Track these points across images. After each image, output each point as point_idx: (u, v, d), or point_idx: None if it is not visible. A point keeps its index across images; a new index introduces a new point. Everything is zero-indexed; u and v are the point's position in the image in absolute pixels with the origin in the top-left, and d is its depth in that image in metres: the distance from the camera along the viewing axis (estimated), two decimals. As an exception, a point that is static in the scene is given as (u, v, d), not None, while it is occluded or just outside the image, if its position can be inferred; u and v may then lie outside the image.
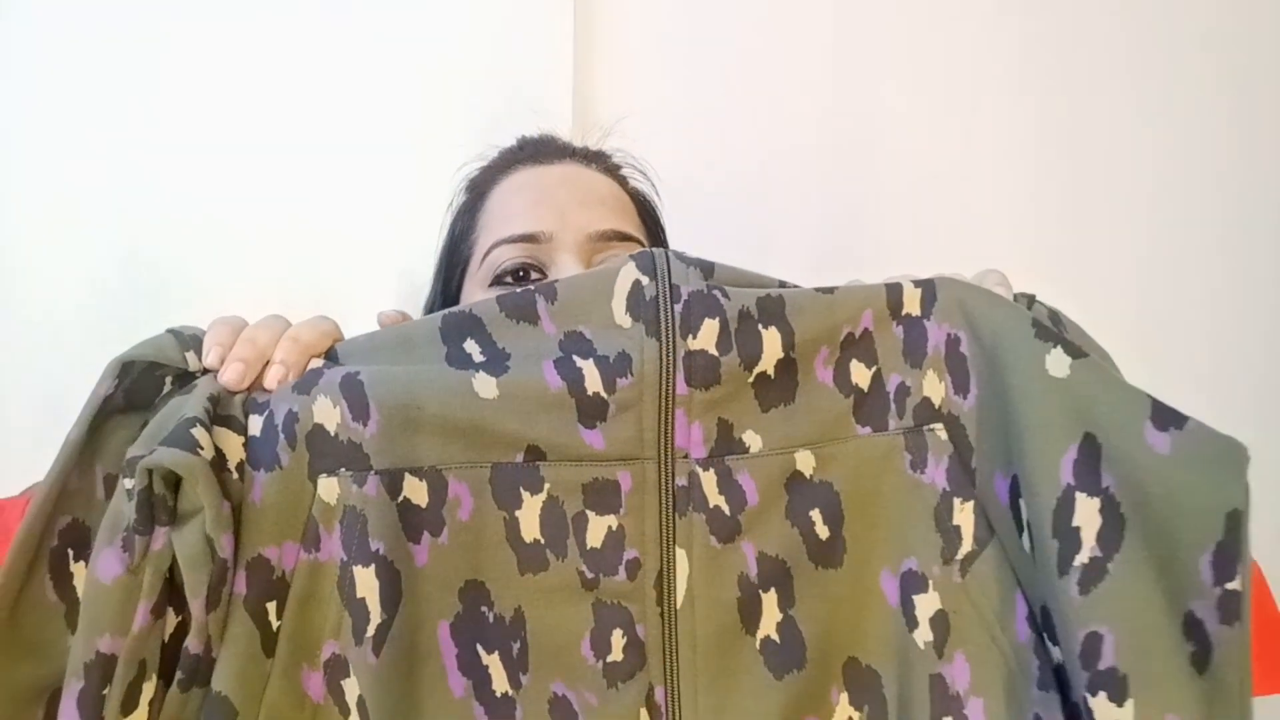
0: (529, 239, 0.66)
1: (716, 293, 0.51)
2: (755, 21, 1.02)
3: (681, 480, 0.51)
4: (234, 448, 0.48)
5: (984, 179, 1.04)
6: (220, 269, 0.90)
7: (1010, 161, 1.04)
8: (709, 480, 0.51)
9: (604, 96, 0.99)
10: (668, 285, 0.51)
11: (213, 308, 0.88)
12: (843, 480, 0.53)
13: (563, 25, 0.98)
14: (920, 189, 1.03)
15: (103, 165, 0.90)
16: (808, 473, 0.53)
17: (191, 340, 0.50)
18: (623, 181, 0.77)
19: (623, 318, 0.51)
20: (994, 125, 1.04)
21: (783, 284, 0.54)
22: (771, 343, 0.51)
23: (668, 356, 0.50)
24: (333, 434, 0.48)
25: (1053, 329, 0.51)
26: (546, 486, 0.50)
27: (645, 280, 0.51)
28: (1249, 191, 1.08)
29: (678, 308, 0.50)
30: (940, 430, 0.53)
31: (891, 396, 0.54)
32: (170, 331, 0.51)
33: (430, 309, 0.76)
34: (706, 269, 0.52)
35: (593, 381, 0.50)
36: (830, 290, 0.54)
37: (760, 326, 0.51)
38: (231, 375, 0.49)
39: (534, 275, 0.66)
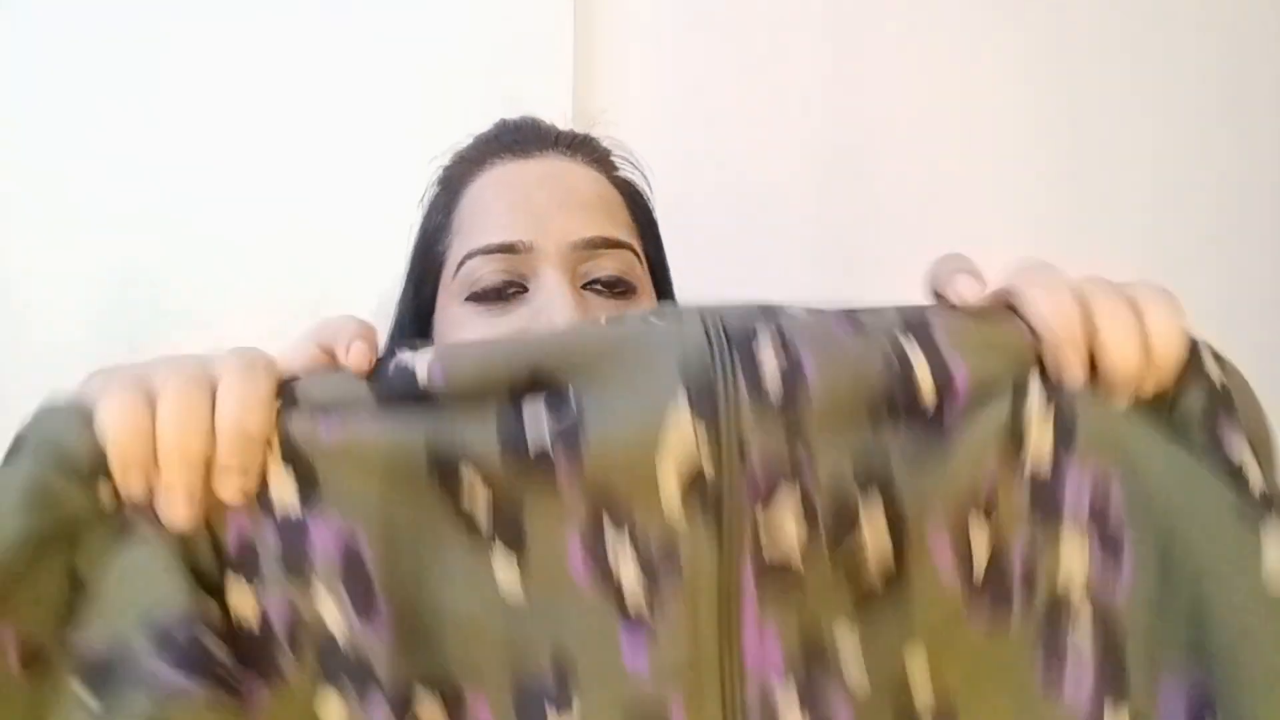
0: (506, 249, 0.61)
1: (801, 453, 0.39)
2: (755, 20, 1.02)
3: (754, 706, 0.39)
4: (247, 607, 0.38)
5: (986, 173, 1.03)
6: (219, 270, 0.90)
7: (1012, 157, 1.04)
8: (788, 702, 0.39)
9: (604, 97, 0.99)
10: (736, 441, 0.38)
11: (212, 309, 0.89)
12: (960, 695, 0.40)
13: (563, 25, 0.98)
14: (924, 186, 1.02)
15: (100, 165, 0.90)
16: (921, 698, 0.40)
17: (88, 454, 0.36)
18: (610, 171, 0.71)
19: (672, 504, 0.39)
20: (996, 121, 1.04)
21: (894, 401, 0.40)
22: (874, 525, 0.40)
23: (730, 550, 0.39)
24: (341, 646, 0.38)
25: (1261, 502, 0.38)
26: (577, 706, 0.39)
27: (704, 446, 0.38)
28: (1254, 191, 1.07)
29: (746, 483, 0.38)
30: (1084, 626, 0.40)
31: (1017, 577, 0.40)
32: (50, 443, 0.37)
33: (402, 315, 0.70)
34: (791, 390, 0.38)
35: (631, 581, 0.39)
36: (945, 437, 0.40)
37: (859, 499, 0.40)
38: (179, 515, 0.36)
39: (513, 290, 0.61)
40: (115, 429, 0.36)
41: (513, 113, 0.89)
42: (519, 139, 0.69)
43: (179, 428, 0.37)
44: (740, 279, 0.93)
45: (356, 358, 0.40)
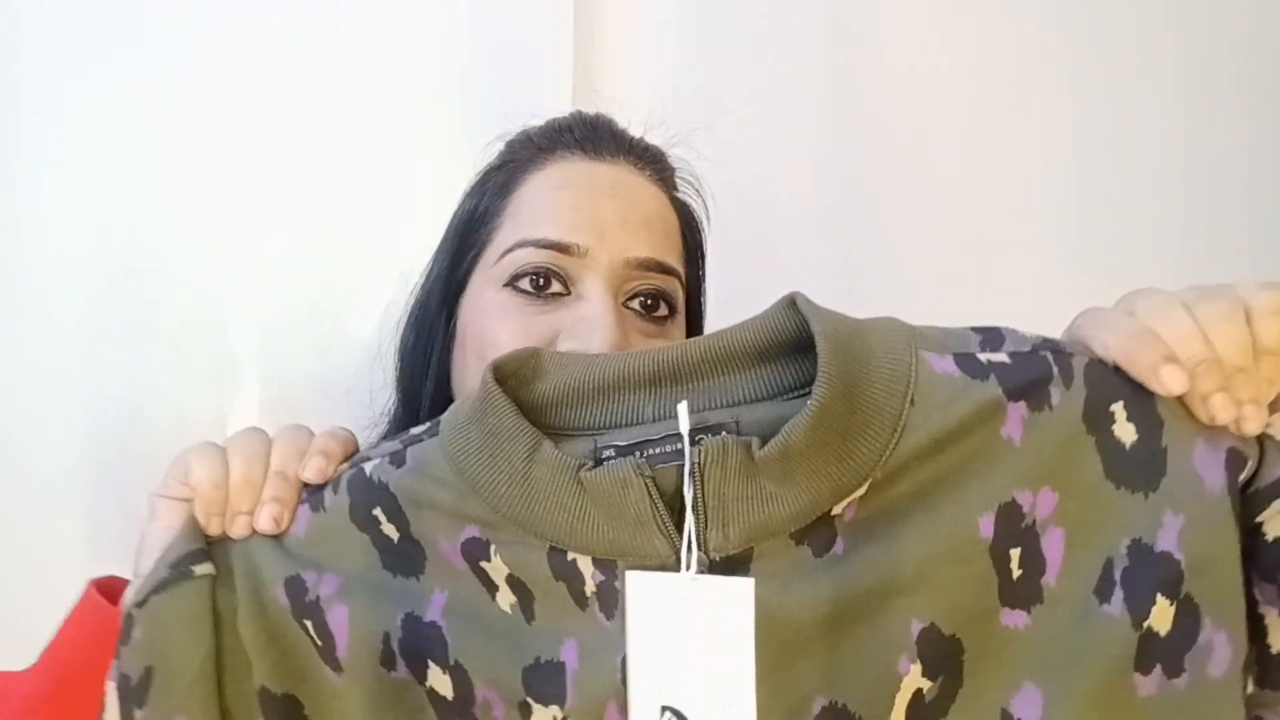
0: (562, 248, 0.60)
1: None
2: (755, 20, 1.01)
3: None
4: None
5: (994, 174, 1.02)
6: (218, 264, 0.88)
7: (1022, 161, 1.02)
8: None
9: (604, 95, 0.94)
10: None
11: (210, 302, 0.86)
12: None
13: (563, 25, 0.97)
14: (929, 183, 1.01)
15: (101, 157, 0.87)
16: None
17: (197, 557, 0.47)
18: (673, 190, 0.70)
19: None
20: (1002, 119, 1.03)
21: None
22: None
23: None
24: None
25: None
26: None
27: None
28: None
29: None
30: None
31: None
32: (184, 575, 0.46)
33: (429, 293, 0.69)
34: None
35: None
36: None
37: None
38: (263, 525, 0.48)
39: (555, 286, 0.60)
40: (201, 484, 0.49)
41: (512, 111, 0.87)
42: (593, 137, 0.67)
43: (245, 469, 0.49)
44: (741, 277, 0.92)
45: (313, 472, 0.49)
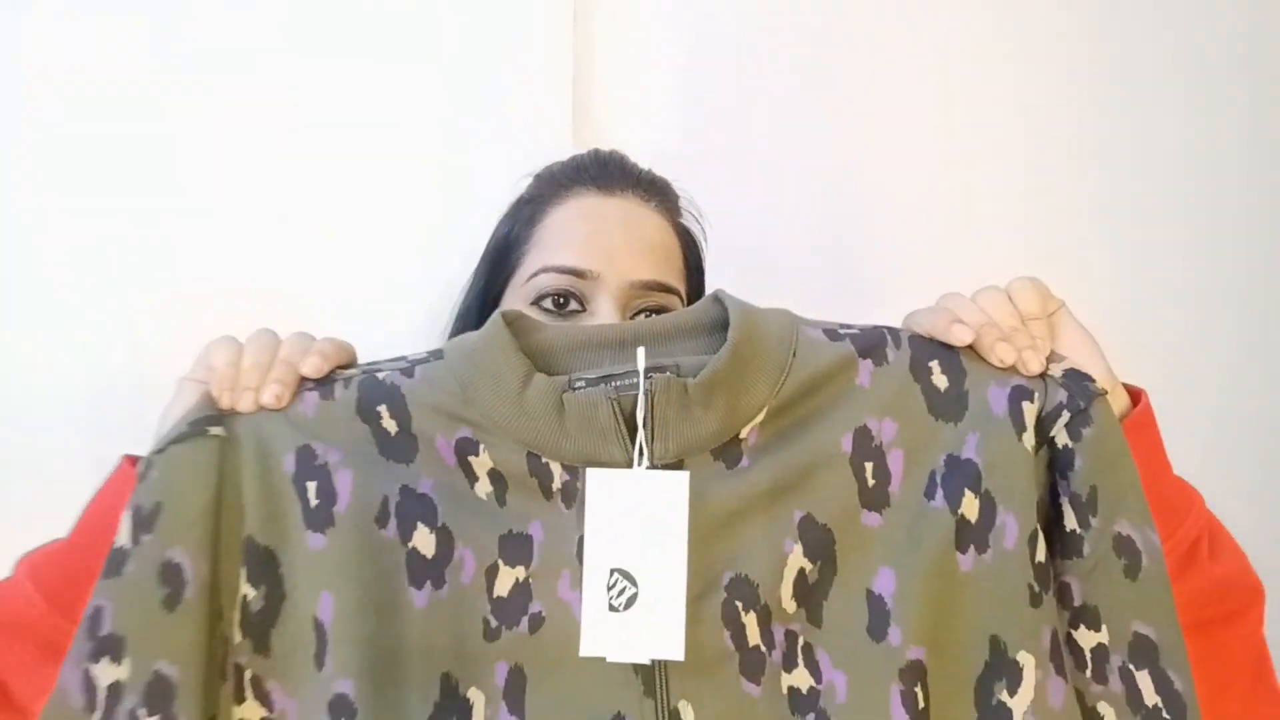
0: (577, 274, 0.71)
1: None
2: (755, 22, 1.03)
3: None
4: None
5: (989, 190, 1.05)
6: (217, 260, 0.91)
7: (1014, 174, 1.05)
8: None
9: (604, 97, 1.01)
10: None
11: (209, 296, 0.86)
12: None
13: (562, 25, 0.99)
14: (927, 201, 1.04)
15: (101, 158, 0.89)
16: None
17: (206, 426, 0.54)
18: (676, 217, 0.79)
19: None
20: (998, 135, 1.05)
21: None
22: None
23: None
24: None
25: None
26: None
27: None
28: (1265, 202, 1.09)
29: None
30: None
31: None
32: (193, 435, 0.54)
33: (468, 306, 0.80)
34: None
35: None
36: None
37: None
38: (267, 399, 0.55)
39: (572, 305, 0.71)
40: (217, 364, 0.58)
41: (512, 113, 0.95)
42: (605, 174, 0.78)
43: (256, 355, 0.58)
44: (741, 276, 0.88)
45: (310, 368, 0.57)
